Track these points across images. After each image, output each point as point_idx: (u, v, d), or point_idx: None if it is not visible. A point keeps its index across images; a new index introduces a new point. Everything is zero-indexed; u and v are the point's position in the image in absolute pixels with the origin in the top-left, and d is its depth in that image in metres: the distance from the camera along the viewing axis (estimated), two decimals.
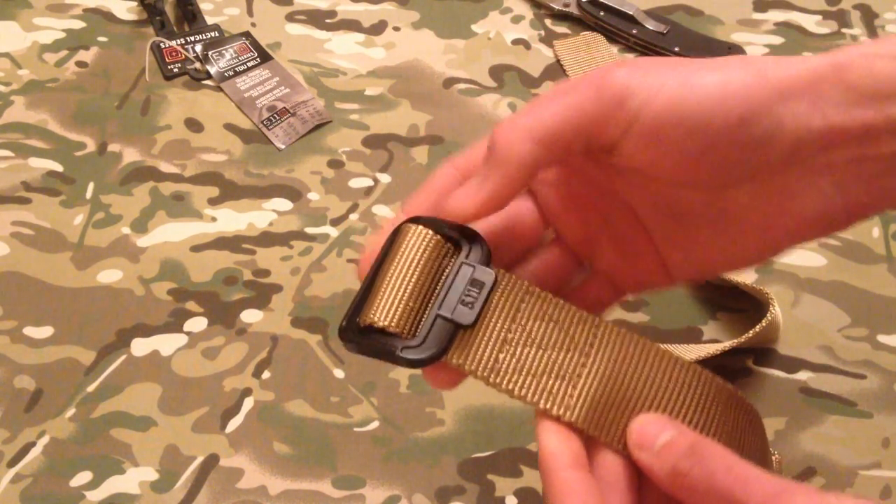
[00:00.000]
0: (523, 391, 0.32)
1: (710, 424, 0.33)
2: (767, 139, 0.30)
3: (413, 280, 0.32)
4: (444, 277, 0.33)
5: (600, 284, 0.37)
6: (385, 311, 0.32)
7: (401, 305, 0.32)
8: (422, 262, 0.32)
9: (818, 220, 0.32)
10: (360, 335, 0.32)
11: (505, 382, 0.32)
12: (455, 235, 0.33)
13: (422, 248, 0.33)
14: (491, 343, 0.32)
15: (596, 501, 0.31)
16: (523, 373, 0.32)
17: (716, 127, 0.30)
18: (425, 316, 0.32)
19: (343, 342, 0.33)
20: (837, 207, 0.31)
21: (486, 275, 0.32)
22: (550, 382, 0.32)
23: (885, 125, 0.30)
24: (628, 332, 0.33)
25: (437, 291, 0.33)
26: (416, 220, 0.33)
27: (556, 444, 0.32)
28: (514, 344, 0.32)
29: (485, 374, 0.32)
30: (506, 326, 0.32)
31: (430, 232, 0.33)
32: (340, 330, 0.32)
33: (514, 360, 0.32)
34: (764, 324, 0.52)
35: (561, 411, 0.32)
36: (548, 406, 0.32)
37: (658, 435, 0.31)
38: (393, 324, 0.32)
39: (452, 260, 0.33)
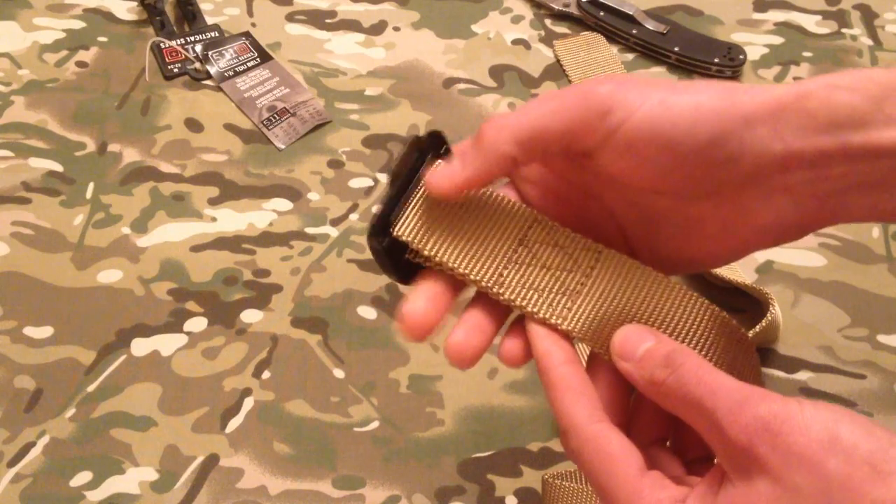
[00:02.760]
0: (524, 302, 0.35)
1: (703, 347, 0.35)
2: (731, 160, 0.33)
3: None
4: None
5: None
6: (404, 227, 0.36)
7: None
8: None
9: (772, 231, 0.35)
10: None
11: (508, 293, 0.35)
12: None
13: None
14: (497, 259, 0.35)
15: (590, 391, 0.33)
16: (526, 286, 0.35)
17: (686, 146, 0.33)
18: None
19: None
20: (791, 221, 0.34)
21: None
22: (552, 297, 0.35)
23: (838, 151, 0.32)
24: (630, 259, 0.36)
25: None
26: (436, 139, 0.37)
27: (549, 344, 0.34)
28: (519, 262, 0.35)
29: (489, 285, 0.35)
30: (512, 248, 0.35)
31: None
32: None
33: (518, 276, 0.35)
34: (764, 324, 0.53)
35: (559, 321, 0.34)
36: (546, 315, 0.34)
37: (638, 345, 0.33)
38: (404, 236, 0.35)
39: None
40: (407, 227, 0.35)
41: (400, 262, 0.35)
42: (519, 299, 0.35)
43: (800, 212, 0.34)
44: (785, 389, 0.54)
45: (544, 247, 0.36)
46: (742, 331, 0.36)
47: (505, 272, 0.35)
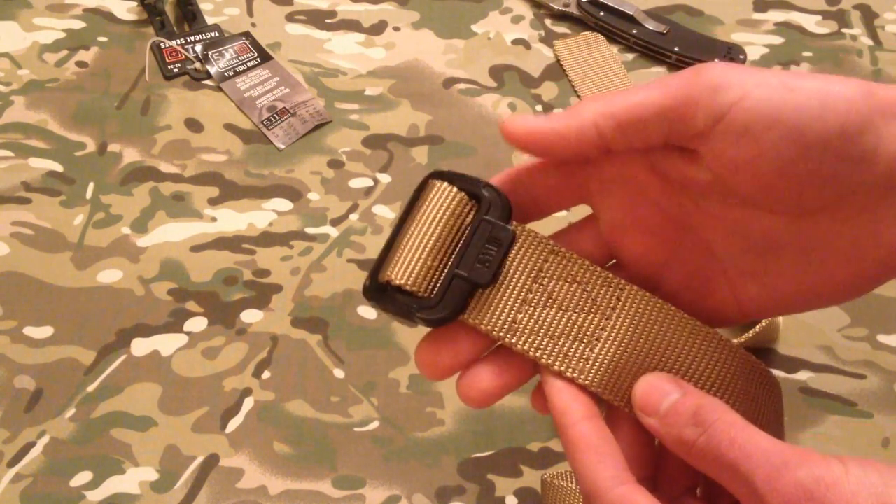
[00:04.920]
0: (539, 352, 0.32)
1: (727, 393, 0.33)
2: (866, 157, 0.28)
3: (433, 238, 0.32)
4: (464, 235, 0.32)
5: None
6: (403, 270, 0.31)
7: (419, 264, 0.31)
8: (442, 220, 0.32)
9: None
10: (380, 293, 0.32)
11: (522, 343, 0.32)
12: (476, 191, 0.32)
13: (443, 205, 0.32)
14: (510, 303, 0.32)
15: (613, 450, 0.30)
16: (541, 334, 0.32)
17: (814, 134, 0.28)
18: (443, 275, 0.32)
19: (366, 299, 0.32)
20: None
21: (505, 231, 0.32)
22: (568, 344, 0.32)
23: None
24: (653, 296, 0.32)
25: (456, 249, 0.32)
26: (439, 174, 0.33)
27: (567, 399, 0.31)
28: (533, 304, 0.32)
29: (501, 333, 0.32)
30: (526, 287, 0.32)
31: (453, 188, 0.32)
32: (364, 288, 0.32)
33: (532, 321, 0.32)
34: (764, 324, 0.52)
35: (575, 374, 0.32)
36: (563, 368, 0.32)
37: (662, 397, 0.31)
38: (409, 282, 0.31)
39: (474, 216, 0.32)
40: (401, 271, 0.31)
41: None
42: (533, 349, 0.32)
43: None
44: (785, 389, 0.54)
45: (560, 283, 0.32)
46: (769, 372, 0.34)
47: (518, 317, 0.32)
